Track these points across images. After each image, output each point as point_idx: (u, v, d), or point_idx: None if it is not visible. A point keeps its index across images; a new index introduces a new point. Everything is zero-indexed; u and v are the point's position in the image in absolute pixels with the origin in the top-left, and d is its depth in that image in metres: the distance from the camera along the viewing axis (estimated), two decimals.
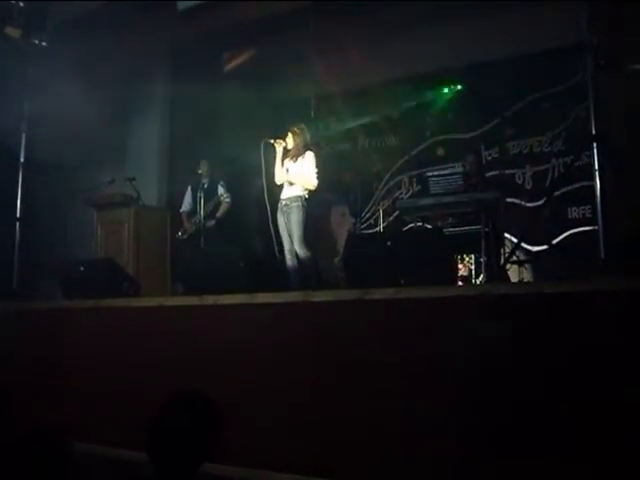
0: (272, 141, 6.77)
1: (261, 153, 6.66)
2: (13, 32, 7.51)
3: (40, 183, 8.56)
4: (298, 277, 6.59)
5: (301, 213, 6.55)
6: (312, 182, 6.63)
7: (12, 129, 7.46)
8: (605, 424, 3.47)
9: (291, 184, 6.66)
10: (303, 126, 6.92)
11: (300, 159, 6.69)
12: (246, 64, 10.21)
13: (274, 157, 6.83)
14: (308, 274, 6.54)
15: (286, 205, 6.62)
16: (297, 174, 6.65)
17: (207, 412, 2.17)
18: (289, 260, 6.63)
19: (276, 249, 6.68)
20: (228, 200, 8.01)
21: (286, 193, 6.68)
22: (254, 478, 4.40)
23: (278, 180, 6.77)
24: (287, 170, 6.73)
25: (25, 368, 5.82)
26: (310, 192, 6.67)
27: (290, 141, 6.78)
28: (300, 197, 6.60)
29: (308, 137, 6.87)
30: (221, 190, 8.00)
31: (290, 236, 6.59)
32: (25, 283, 7.45)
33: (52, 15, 7.68)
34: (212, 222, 7.88)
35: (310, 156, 6.68)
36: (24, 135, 7.49)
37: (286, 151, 6.80)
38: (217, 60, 9.94)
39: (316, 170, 6.66)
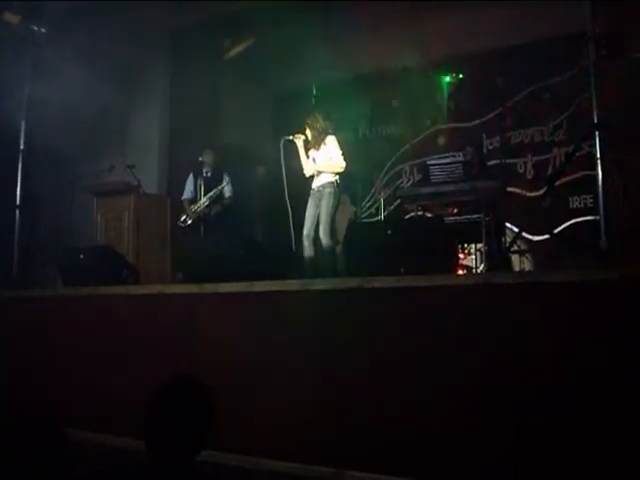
0: (291, 137, 6.78)
1: (281, 151, 6.68)
2: (12, 18, 7.48)
3: (40, 170, 8.54)
4: (311, 264, 6.58)
5: (332, 199, 6.55)
6: (340, 164, 6.63)
7: (11, 116, 7.42)
8: (606, 413, 3.48)
9: (320, 173, 6.68)
10: (315, 114, 6.92)
11: (323, 146, 6.72)
12: (247, 52, 10.16)
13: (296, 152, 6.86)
14: (326, 263, 6.51)
15: (319, 192, 6.64)
16: (324, 161, 6.68)
17: (203, 399, 2.16)
18: (306, 246, 6.61)
19: (293, 238, 6.70)
20: (230, 195, 7.98)
21: (317, 181, 6.69)
22: (251, 466, 4.41)
23: (307, 172, 6.80)
24: (314, 160, 6.76)
25: (24, 355, 5.83)
26: (339, 174, 6.66)
27: (308, 133, 6.80)
28: (332, 183, 6.61)
29: (323, 123, 6.85)
30: (226, 180, 7.94)
31: (316, 222, 6.57)
32: (25, 270, 7.44)
33: (51, 2, 7.64)
34: (213, 210, 7.85)
35: (332, 140, 6.70)
36: (24, 122, 7.45)
37: (307, 143, 6.82)
38: (218, 47, 9.89)
39: (341, 152, 6.66)
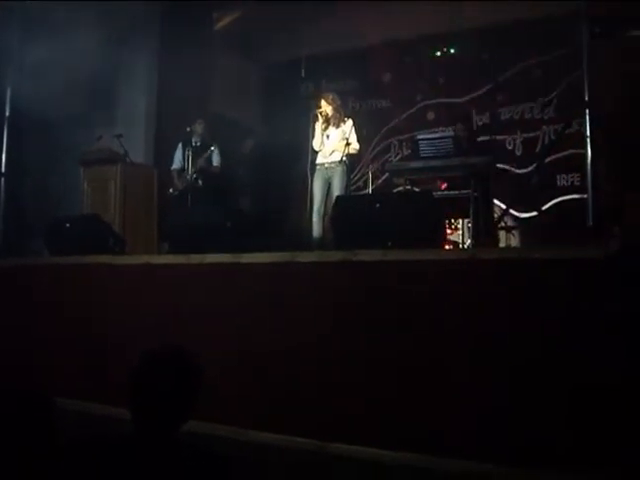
0: (320, 111, 6.90)
1: (311, 124, 6.91)
2: None
3: (26, 139, 8.45)
4: (320, 236, 6.72)
5: (345, 177, 6.79)
6: (355, 147, 6.88)
7: None
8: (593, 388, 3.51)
9: (333, 151, 6.83)
10: (330, 94, 7.14)
11: (342, 125, 6.89)
12: (236, 24, 10.07)
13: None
14: None
15: (329, 169, 6.82)
16: (337, 140, 6.84)
17: (189, 367, 2.15)
18: (315, 221, 6.78)
19: (308, 209, 6.86)
20: (218, 165, 7.99)
21: (328, 159, 6.86)
22: (236, 436, 4.42)
23: (317, 146, 6.92)
24: (327, 137, 6.90)
25: (9, 324, 5.81)
26: (350, 156, 6.86)
27: (328, 110, 6.91)
28: (343, 162, 6.79)
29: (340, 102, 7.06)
30: (213, 149, 7.95)
31: (328, 198, 6.72)
32: (10, 239, 7.39)
33: None
34: (200, 181, 7.84)
35: (351, 123, 6.89)
36: (9, 90, 7.36)
37: (327, 119, 6.93)
38: (207, 19, 9.80)
39: (356, 135, 6.88)
